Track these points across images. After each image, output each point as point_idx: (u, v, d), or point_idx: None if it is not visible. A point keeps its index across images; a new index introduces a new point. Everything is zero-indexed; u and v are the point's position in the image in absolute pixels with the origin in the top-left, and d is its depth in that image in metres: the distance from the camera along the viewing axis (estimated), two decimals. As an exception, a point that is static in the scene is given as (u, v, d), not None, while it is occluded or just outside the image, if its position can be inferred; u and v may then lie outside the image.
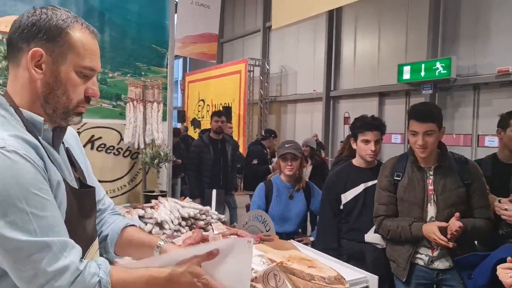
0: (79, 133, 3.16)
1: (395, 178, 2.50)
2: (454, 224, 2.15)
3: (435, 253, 2.34)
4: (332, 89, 12.70)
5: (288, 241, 2.24)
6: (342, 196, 2.72)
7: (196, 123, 13.97)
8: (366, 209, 2.64)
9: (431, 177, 2.37)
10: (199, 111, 15.31)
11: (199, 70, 15.62)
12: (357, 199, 2.67)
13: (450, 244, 2.15)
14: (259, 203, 2.95)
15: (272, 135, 7.06)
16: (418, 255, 2.40)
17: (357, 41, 12.12)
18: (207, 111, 14.75)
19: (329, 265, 1.75)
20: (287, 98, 14.25)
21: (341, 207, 2.72)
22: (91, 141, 3.21)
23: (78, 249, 1.04)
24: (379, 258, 2.52)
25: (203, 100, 15.18)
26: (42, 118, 1.09)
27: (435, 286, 2.42)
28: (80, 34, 1.09)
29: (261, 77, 14.42)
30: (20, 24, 1.07)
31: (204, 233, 2.21)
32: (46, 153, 1.06)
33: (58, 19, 1.07)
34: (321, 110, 12.83)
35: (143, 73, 3.42)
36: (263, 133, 7.36)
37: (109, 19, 3.29)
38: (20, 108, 1.07)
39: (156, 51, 3.49)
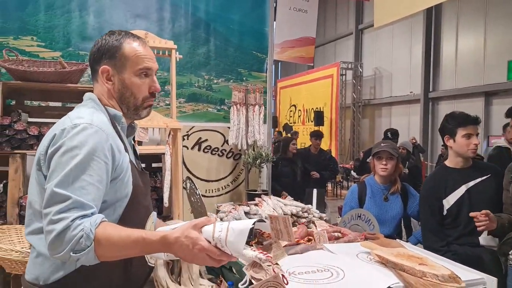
0: (188, 135, 3.43)
1: None
2: None
3: None
4: (430, 90, 12.03)
5: (395, 240, 2.21)
6: (444, 201, 2.59)
7: (288, 128, 14.12)
8: (474, 210, 2.49)
9: None
10: (290, 117, 15.47)
11: (291, 76, 15.81)
12: (461, 201, 2.53)
13: None
14: (352, 204, 2.91)
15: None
16: None
17: (459, 38, 11.36)
18: (299, 116, 14.85)
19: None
20: (382, 101, 13.79)
21: (445, 212, 2.60)
22: (198, 143, 3.46)
23: (85, 211, 1.19)
24: (497, 261, 2.37)
25: (294, 106, 15.31)
26: (121, 113, 1.42)
27: None
28: (130, 46, 1.40)
29: (353, 80, 14.15)
30: (91, 52, 1.42)
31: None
32: (121, 139, 1.38)
33: (112, 40, 1.40)
34: (418, 112, 12.21)
35: (244, 78, 3.60)
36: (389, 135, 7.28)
37: (214, 29, 3.53)
38: (106, 106, 1.40)
39: (256, 57, 3.65)
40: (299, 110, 14.92)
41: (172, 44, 2.77)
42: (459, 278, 1.54)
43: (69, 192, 1.17)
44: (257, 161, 3.04)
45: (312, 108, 14.16)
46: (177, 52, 2.84)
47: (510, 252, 2.31)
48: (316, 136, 6.25)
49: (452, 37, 11.55)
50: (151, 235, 1.17)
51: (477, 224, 2.23)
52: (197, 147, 3.44)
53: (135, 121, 1.57)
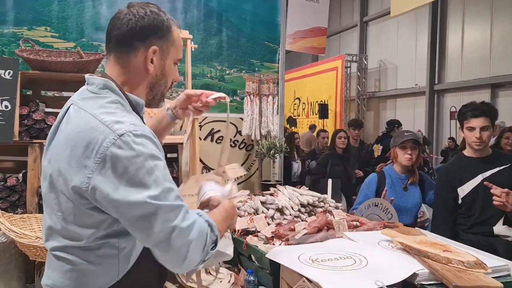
0: (201, 126, 3.44)
1: None
2: None
3: None
4: (436, 82, 11.99)
5: (414, 228, 2.22)
6: (459, 189, 2.60)
7: (292, 121, 14.10)
8: (489, 200, 2.50)
9: None
10: (294, 109, 15.45)
11: (295, 69, 15.76)
12: (477, 191, 2.54)
13: None
14: (367, 192, 2.92)
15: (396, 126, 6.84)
16: None
17: (466, 30, 11.29)
18: (303, 109, 14.82)
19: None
20: (387, 94, 13.76)
21: (460, 201, 2.61)
22: (211, 134, 3.46)
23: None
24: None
25: (298, 99, 15.28)
26: (143, 101, 1.28)
27: None
28: (177, 30, 1.28)
29: (358, 73, 14.10)
30: (136, 25, 1.18)
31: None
32: None
33: (163, 18, 1.22)
34: (424, 105, 12.18)
35: (256, 69, 3.60)
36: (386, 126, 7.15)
37: (226, 19, 3.52)
38: (126, 93, 1.23)
39: (268, 47, 3.65)
40: (303, 103, 14.88)
41: (187, 34, 2.77)
42: (485, 264, 1.55)
43: (173, 201, 1.11)
44: (271, 152, 3.05)
45: (317, 101, 14.11)
46: (192, 42, 2.84)
47: None
48: (355, 125, 5.40)
49: (458, 28, 11.49)
50: (224, 206, 1.35)
51: (494, 199, 2.25)
52: (209, 138, 3.44)
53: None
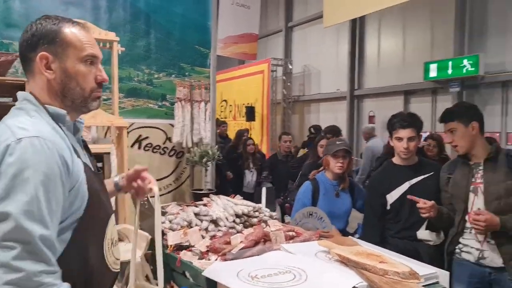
0: (128, 132, 3.24)
1: (448, 175, 2.56)
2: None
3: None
4: (356, 88, 12.61)
5: (348, 237, 2.26)
6: (388, 196, 2.73)
7: (218, 123, 14.01)
8: (415, 206, 2.64)
9: (481, 171, 2.41)
10: (221, 111, 15.39)
11: (222, 71, 15.72)
12: (404, 197, 2.68)
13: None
14: (305, 201, 2.96)
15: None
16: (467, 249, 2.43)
17: (381, 39, 12.02)
18: (230, 111, 14.81)
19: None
20: (311, 98, 14.21)
21: (388, 207, 2.73)
22: (138, 141, 3.29)
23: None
24: (434, 255, 2.52)
25: (225, 101, 15.25)
26: (65, 111, 1.27)
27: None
28: (73, 30, 1.27)
29: (284, 77, 14.42)
30: (24, 39, 1.25)
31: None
32: (70, 141, 1.24)
33: (50, 24, 1.25)
34: (345, 109, 12.76)
35: (187, 73, 3.49)
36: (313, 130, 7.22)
37: (155, 21, 3.37)
38: (45, 105, 1.24)
39: (199, 51, 3.55)
40: (230, 105, 14.89)
41: (113, 36, 2.60)
42: (418, 274, 1.61)
43: (37, 226, 1.03)
44: (204, 160, 2.96)
45: (244, 104, 14.19)
46: (119, 45, 2.68)
47: (456, 247, 2.48)
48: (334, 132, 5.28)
49: (375, 38, 12.19)
50: None
51: (421, 211, 2.39)
52: (137, 145, 3.27)
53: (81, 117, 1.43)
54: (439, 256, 2.54)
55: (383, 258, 1.73)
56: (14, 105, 1.27)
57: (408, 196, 2.51)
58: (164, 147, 3.40)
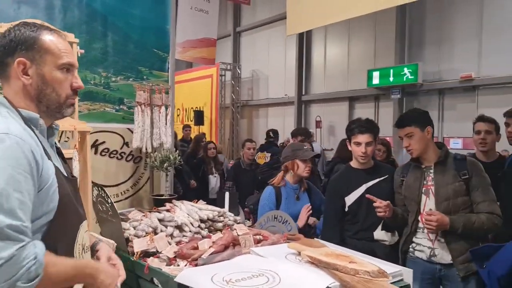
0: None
1: (401, 178, 2.71)
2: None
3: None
4: (303, 93, 12.94)
5: (314, 239, 2.33)
6: (346, 198, 2.84)
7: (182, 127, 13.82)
8: (371, 208, 2.77)
9: (432, 174, 2.58)
10: (169, 115, 15.15)
11: (169, 74, 15.48)
12: (361, 199, 2.80)
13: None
14: (271, 205, 3.00)
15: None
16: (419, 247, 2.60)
17: (327, 47, 12.44)
18: (178, 115, 14.64)
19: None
20: (259, 102, 14.38)
21: (346, 209, 2.85)
22: (95, 145, 3.18)
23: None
24: (390, 255, 2.66)
25: (173, 104, 15.03)
26: (38, 115, 1.28)
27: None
28: (51, 37, 1.29)
29: (232, 81, 14.48)
30: (1, 44, 1.27)
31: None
32: (41, 144, 1.25)
33: (28, 31, 1.27)
34: (293, 114, 13.04)
35: (145, 77, 3.42)
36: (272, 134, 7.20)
37: (112, 23, 3.28)
38: (18, 108, 1.26)
39: (158, 55, 3.49)
40: (178, 109, 14.70)
41: (73, 38, 2.50)
42: (386, 272, 1.70)
43: (5, 216, 1.04)
44: (165, 165, 2.92)
45: (192, 107, 14.09)
46: (78, 46, 2.59)
47: (410, 246, 2.63)
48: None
49: (321, 45, 12.60)
50: (90, 264, 1.35)
51: (377, 210, 2.51)
52: (93, 150, 3.15)
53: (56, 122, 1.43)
54: (394, 255, 2.68)
55: (352, 258, 1.81)
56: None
57: (367, 196, 2.63)
58: (122, 152, 3.30)
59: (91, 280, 1.29)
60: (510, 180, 2.98)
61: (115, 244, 2.12)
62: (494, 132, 3.33)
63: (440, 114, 9.79)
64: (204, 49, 4.11)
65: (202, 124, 12.84)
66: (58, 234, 1.26)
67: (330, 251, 1.94)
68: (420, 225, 2.59)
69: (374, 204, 2.56)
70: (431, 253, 2.55)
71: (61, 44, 1.32)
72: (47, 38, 1.28)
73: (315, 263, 1.80)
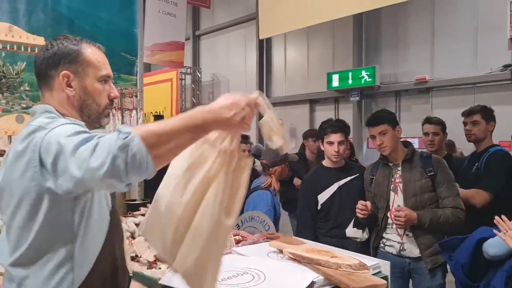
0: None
1: (371, 176, 2.83)
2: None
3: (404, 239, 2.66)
4: (264, 96, 13.04)
5: (293, 237, 2.39)
6: (319, 196, 2.93)
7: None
8: (343, 206, 2.87)
9: (399, 171, 2.71)
10: (128, 120, 14.86)
11: (128, 78, 15.19)
12: (333, 197, 2.90)
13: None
14: (273, 210, 3.00)
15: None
16: (389, 243, 2.71)
17: (287, 51, 12.64)
18: (138, 120, 14.38)
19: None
20: (220, 106, 14.36)
21: (319, 207, 2.94)
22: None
23: None
24: (361, 251, 2.76)
25: (132, 109, 14.75)
26: (83, 123, 1.30)
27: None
28: (91, 50, 1.36)
29: (192, 85, 14.41)
30: (44, 56, 1.32)
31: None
32: None
33: (71, 44, 1.33)
34: (254, 117, 13.11)
35: (113, 81, 3.37)
36: None
37: (79, 26, 3.22)
38: (65, 116, 1.31)
39: (126, 59, 3.46)
40: (138, 113, 14.43)
41: (42, 41, 2.46)
42: (366, 265, 1.78)
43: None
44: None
45: (152, 112, 13.86)
46: (46, 50, 2.53)
47: (380, 241, 2.74)
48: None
49: (281, 48, 12.79)
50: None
51: (358, 212, 2.60)
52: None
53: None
54: (366, 251, 2.79)
55: (333, 253, 1.88)
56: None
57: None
58: (91, 158, 3.25)
59: (212, 121, 1.11)
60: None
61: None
62: (441, 133, 3.57)
63: (397, 115, 10.14)
64: (172, 52, 4.11)
65: (164, 128, 12.67)
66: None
67: (311, 247, 2.00)
68: (390, 221, 2.70)
69: (358, 206, 2.61)
70: (401, 248, 2.67)
71: (100, 56, 1.38)
72: (88, 51, 1.35)
73: (298, 259, 1.86)
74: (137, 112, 3.10)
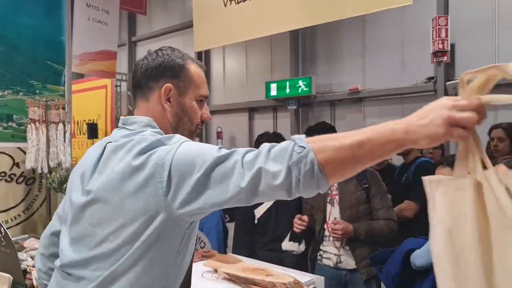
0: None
1: None
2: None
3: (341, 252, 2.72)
4: (204, 104, 12.95)
5: (228, 254, 2.34)
6: (255, 211, 2.92)
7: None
8: (280, 219, 2.89)
9: (336, 184, 2.77)
10: (59, 129, 14.08)
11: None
12: (270, 212, 2.91)
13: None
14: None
15: None
16: (326, 255, 2.76)
17: (226, 59, 12.65)
18: (69, 128, 13.69)
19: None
20: (158, 114, 14.05)
21: (256, 221, 2.93)
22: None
23: None
24: (298, 263, 2.78)
25: (63, 117, 14.00)
26: None
27: None
28: (195, 68, 1.31)
29: (129, 92, 13.95)
30: (148, 67, 1.26)
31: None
32: None
33: (177, 58, 1.29)
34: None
35: (37, 91, 3.16)
36: None
37: (-2, 33, 2.99)
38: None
39: (52, 68, 3.26)
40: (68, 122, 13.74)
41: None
42: (301, 283, 1.78)
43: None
44: (64, 186, 2.72)
45: (84, 120, 13.24)
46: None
47: (318, 254, 2.78)
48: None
49: (220, 58, 12.77)
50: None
51: (296, 225, 2.61)
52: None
53: None
54: (303, 263, 2.82)
55: (268, 271, 1.87)
56: None
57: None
58: (11, 174, 3.00)
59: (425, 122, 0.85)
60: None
61: (11, 278, 1.92)
62: None
63: (332, 123, 10.50)
64: (103, 62, 3.92)
65: (97, 137, 12.10)
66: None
67: (246, 265, 1.97)
68: (327, 233, 2.75)
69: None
70: (338, 260, 2.72)
71: (202, 75, 1.33)
72: (192, 68, 1.30)
73: (233, 279, 1.82)
74: (64, 125, 2.91)
